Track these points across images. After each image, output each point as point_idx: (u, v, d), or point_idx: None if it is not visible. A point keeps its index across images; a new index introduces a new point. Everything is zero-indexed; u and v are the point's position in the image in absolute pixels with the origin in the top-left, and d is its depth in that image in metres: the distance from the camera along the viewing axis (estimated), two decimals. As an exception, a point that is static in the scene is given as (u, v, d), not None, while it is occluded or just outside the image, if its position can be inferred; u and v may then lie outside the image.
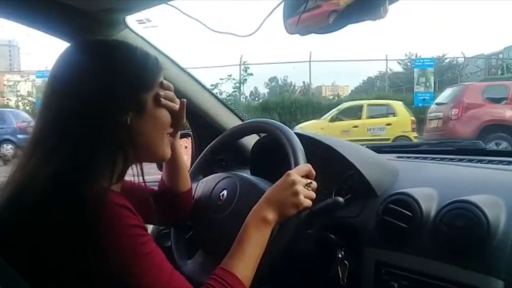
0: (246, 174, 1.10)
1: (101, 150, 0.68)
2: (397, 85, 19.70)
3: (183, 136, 1.35)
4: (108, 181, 0.69)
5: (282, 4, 0.83)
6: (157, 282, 0.66)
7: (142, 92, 0.74)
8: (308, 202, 0.84)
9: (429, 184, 0.98)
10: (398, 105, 10.94)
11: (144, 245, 0.67)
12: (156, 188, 1.04)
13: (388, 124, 10.36)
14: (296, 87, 22.02)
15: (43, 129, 0.71)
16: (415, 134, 10.24)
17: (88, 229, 0.62)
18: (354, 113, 10.99)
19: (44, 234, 0.64)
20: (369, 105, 11.17)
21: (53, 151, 0.67)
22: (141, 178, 0.77)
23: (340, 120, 10.86)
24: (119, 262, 0.64)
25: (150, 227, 1.30)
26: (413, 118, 10.45)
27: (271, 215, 0.81)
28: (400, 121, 10.37)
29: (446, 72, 21.65)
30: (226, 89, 14.01)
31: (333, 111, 11.24)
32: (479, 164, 1.13)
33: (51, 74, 0.74)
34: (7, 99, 15.36)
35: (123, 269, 0.64)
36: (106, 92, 0.70)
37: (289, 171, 0.86)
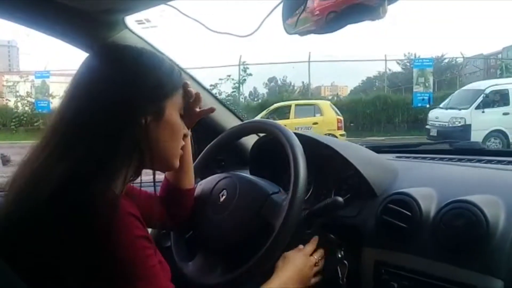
0: (246, 174, 1.10)
1: (116, 154, 0.68)
2: (396, 85, 19.67)
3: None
4: (121, 186, 0.70)
5: (281, 4, 0.83)
6: None
7: (162, 99, 0.75)
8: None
9: (428, 184, 0.98)
10: (324, 105, 11.26)
11: (149, 258, 0.67)
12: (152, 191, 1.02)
13: (315, 123, 10.58)
14: (295, 87, 21.97)
15: (57, 129, 0.70)
16: (341, 132, 10.50)
17: (97, 235, 0.62)
18: (283, 113, 11.24)
19: (52, 235, 0.63)
20: (297, 105, 11.43)
21: (67, 152, 0.66)
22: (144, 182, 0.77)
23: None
24: (123, 271, 0.63)
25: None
26: (339, 117, 10.76)
27: None
28: (326, 120, 10.64)
29: (445, 72, 21.63)
30: (225, 89, 14.00)
31: (263, 112, 11.46)
32: (478, 164, 1.14)
33: (76, 75, 0.74)
34: (6, 99, 15.28)
35: (127, 279, 0.64)
36: (126, 97, 0.70)
37: (303, 250, 0.93)
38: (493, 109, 9.68)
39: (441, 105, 10.94)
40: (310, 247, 0.95)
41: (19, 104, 14.83)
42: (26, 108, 14.66)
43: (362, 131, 13.49)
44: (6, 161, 7.83)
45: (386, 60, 15.78)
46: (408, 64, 20.19)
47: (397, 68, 22.58)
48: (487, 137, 9.39)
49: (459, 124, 9.64)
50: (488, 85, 10.23)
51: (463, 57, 16.56)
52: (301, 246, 0.94)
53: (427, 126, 10.78)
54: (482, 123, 9.42)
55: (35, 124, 13.92)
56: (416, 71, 13.60)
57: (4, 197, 0.69)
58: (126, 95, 0.70)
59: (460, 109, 9.90)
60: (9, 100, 15.22)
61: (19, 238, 0.65)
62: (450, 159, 1.21)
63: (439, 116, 10.48)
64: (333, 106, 11.29)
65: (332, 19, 0.74)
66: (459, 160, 1.19)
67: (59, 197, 0.63)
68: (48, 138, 0.70)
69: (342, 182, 1.11)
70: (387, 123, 13.84)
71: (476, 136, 9.15)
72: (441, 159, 1.24)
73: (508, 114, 9.57)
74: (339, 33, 0.79)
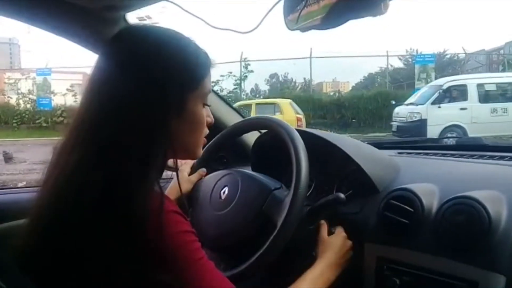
0: (248, 170, 1.10)
1: (150, 151, 0.64)
2: (398, 81, 19.61)
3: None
4: (158, 184, 0.66)
5: (283, 0, 0.82)
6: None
7: (188, 91, 0.70)
8: None
9: (430, 180, 0.98)
10: (284, 104, 11.45)
11: (197, 251, 0.66)
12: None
13: None
14: (297, 84, 21.97)
15: (79, 134, 0.66)
16: None
17: (148, 240, 0.60)
18: (244, 112, 11.29)
19: (99, 243, 0.60)
20: (258, 104, 11.68)
21: (98, 156, 0.63)
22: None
23: None
24: (176, 269, 0.62)
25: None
26: (299, 116, 10.92)
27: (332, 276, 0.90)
28: (286, 118, 10.85)
29: (447, 68, 21.55)
30: (227, 86, 14.03)
31: None
32: (480, 160, 1.13)
33: (96, 63, 0.69)
34: (8, 97, 15.32)
35: (180, 277, 0.63)
36: (150, 87, 0.65)
37: (341, 233, 0.96)
38: (449, 104, 9.74)
39: (405, 102, 11.01)
40: (343, 231, 0.97)
41: (20, 101, 14.88)
42: (28, 106, 14.71)
43: (364, 127, 13.48)
44: (8, 159, 7.86)
45: (388, 56, 15.74)
46: (410, 60, 20.15)
47: (399, 64, 22.54)
48: (443, 132, 9.41)
49: (416, 119, 9.72)
50: (446, 80, 10.29)
51: (465, 52, 16.50)
52: (340, 229, 0.97)
53: (391, 123, 10.92)
54: (439, 118, 9.46)
55: (37, 121, 13.96)
56: (418, 67, 13.58)
57: (38, 196, 0.67)
58: (147, 92, 0.65)
59: (417, 105, 9.98)
60: (11, 98, 15.26)
61: (68, 248, 0.62)
62: (452, 155, 1.21)
63: (399, 112, 10.63)
64: (294, 105, 11.47)
65: (333, 15, 0.73)
66: (461, 156, 1.19)
67: (108, 202, 0.60)
68: (73, 141, 0.66)
69: (344, 178, 1.11)
70: (389, 119, 13.83)
71: (433, 130, 9.25)
72: (443, 155, 1.23)
73: (466, 109, 9.59)
74: (340, 29, 0.78)
